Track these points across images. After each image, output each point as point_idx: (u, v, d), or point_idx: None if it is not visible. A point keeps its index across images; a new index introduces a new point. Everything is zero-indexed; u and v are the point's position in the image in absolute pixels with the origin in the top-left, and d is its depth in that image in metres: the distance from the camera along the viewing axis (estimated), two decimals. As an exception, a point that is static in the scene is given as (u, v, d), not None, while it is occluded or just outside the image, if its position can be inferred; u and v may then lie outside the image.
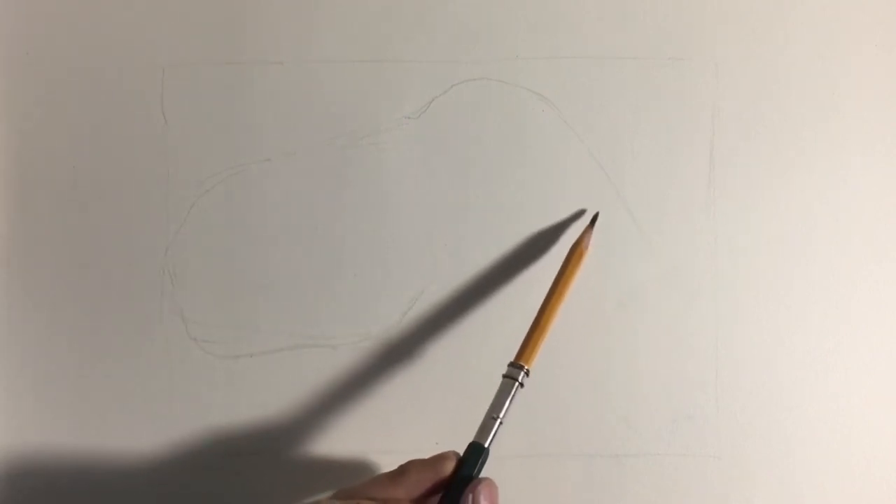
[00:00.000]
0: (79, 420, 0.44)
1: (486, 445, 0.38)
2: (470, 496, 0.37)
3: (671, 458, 0.44)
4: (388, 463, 0.44)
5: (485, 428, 0.39)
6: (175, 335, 0.44)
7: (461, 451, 0.38)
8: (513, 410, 0.44)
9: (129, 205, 0.44)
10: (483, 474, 0.38)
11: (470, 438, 0.42)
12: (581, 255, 0.42)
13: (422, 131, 0.45)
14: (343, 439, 0.44)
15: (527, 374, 0.40)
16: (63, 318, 0.44)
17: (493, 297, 0.44)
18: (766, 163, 0.45)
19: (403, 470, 0.38)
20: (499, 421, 0.39)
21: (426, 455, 0.43)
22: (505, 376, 0.40)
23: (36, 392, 0.44)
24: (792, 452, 0.44)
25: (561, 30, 0.45)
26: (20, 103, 0.44)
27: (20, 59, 0.44)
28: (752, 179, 0.45)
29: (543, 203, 0.45)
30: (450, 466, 0.38)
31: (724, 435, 0.44)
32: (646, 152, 0.45)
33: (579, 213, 0.44)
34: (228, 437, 0.44)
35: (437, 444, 0.44)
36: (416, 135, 0.45)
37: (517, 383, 0.39)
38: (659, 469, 0.44)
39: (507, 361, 0.44)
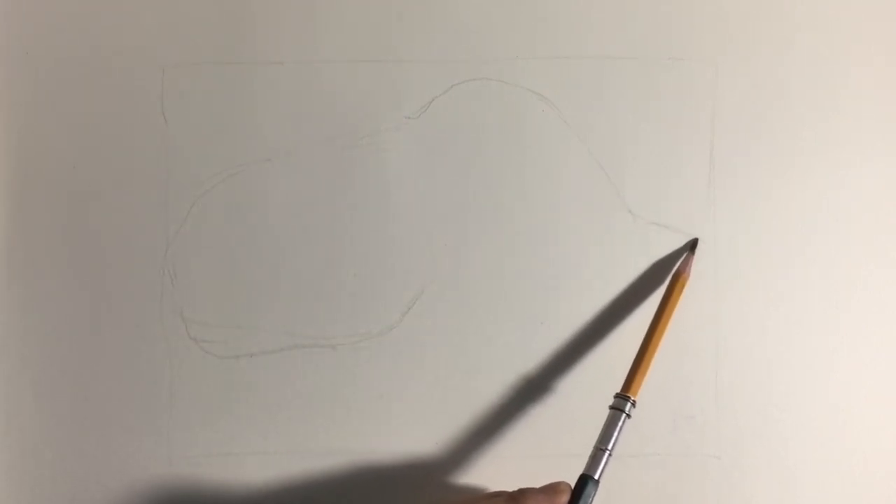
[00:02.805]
0: (79, 420, 0.44)
1: (596, 478, 0.39)
2: None
3: (671, 458, 0.44)
4: (388, 463, 0.44)
5: (595, 460, 0.39)
6: (175, 335, 0.44)
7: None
8: (513, 410, 0.44)
9: (129, 205, 0.44)
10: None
11: (469, 438, 0.42)
12: (683, 283, 0.43)
13: (422, 131, 0.45)
14: (343, 439, 0.44)
15: (633, 404, 0.40)
16: (63, 318, 0.44)
17: (494, 296, 0.44)
18: (766, 163, 0.45)
19: (520, 498, 0.38)
20: (608, 453, 0.39)
21: (427, 454, 0.43)
22: (612, 408, 0.40)
23: (36, 392, 0.44)
24: (792, 452, 0.44)
25: (561, 30, 0.45)
26: (20, 103, 0.44)
27: (20, 59, 0.44)
28: (752, 179, 0.45)
29: (543, 203, 0.45)
30: (565, 499, 0.38)
31: (724, 435, 0.44)
32: (646, 152, 0.45)
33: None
34: (228, 436, 0.44)
35: (436, 443, 0.44)
36: (417, 135, 0.45)
37: (625, 414, 0.40)
38: (659, 469, 0.44)
39: (510, 360, 0.44)
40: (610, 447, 0.39)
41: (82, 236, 0.44)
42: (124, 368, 0.44)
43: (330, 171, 0.44)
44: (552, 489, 0.38)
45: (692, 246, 0.44)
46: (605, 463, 0.39)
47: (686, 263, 0.43)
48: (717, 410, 0.44)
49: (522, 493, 0.38)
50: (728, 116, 0.45)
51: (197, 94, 0.44)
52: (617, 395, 0.41)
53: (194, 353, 0.44)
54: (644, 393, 0.44)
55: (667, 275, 0.44)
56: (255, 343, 0.44)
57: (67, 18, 0.44)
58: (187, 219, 0.44)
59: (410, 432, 0.44)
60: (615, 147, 0.45)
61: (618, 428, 0.40)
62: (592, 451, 0.40)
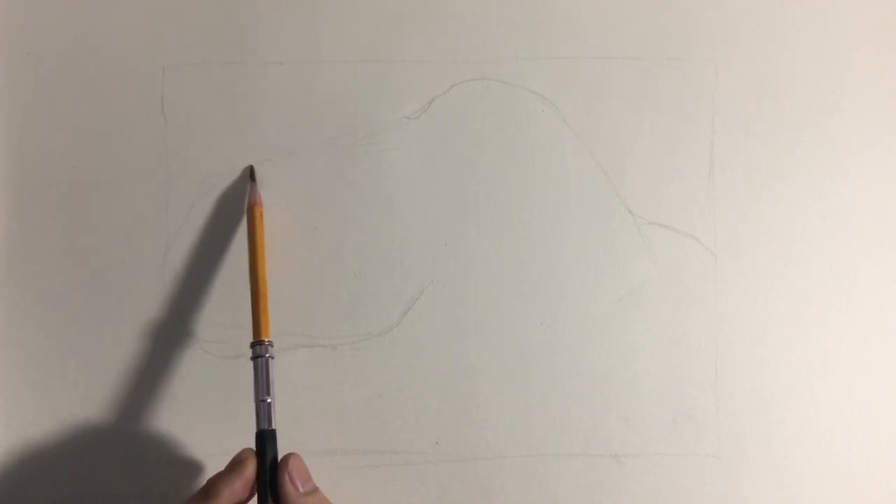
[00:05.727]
0: (79, 420, 0.44)
1: (271, 428, 0.39)
2: (286, 475, 0.38)
3: (671, 458, 0.44)
4: (388, 463, 0.44)
5: (261, 413, 0.39)
6: (175, 335, 0.44)
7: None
8: (513, 410, 0.44)
9: (129, 205, 0.44)
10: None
11: (469, 439, 0.42)
12: (260, 212, 0.42)
13: (422, 131, 0.45)
14: (343, 439, 0.44)
15: (270, 344, 0.40)
16: (63, 318, 0.44)
17: (494, 296, 0.44)
18: (766, 163, 0.45)
19: (210, 490, 0.37)
20: (270, 401, 0.39)
21: (427, 454, 0.43)
22: (253, 358, 0.40)
23: (36, 392, 0.44)
24: (791, 452, 0.44)
25: (561, 30, 0.45)
26: (20, 103, 0.44)
27: (20, 59, 0.44)
28: (752, 179, 0.45)
29: (543, 203, 0.45)
30: (251, 465, 0.38)
31: (724, 435, 0.44)
32: (646, 152, 0.45)
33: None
34: (228, 436, 0.44)
35: (437, 443, 0.44)
36: (417, 135, 0.45)
37: (268, 358, 0.40)
38: (659, 469, 0.44)
39: (510, 360, 0.44)
40: (269, 397, 0.39)
41: (82, 236, 0.44)
42: (124, 369, 0.44)
43: (330, 171, 0.44)
44: (236, 462, 0.38)
45: (251, 175, 0.44)
46: (273, 411, 0.39)
47: (254, 194, 0.43)
48: (716, 410, 0.44)
49: (211, 483, 0.38)
50: (728, 116, 0.45)
51: (197, 94, 0.44)
52: (253, 344, 0.40)
53: (194, 353, 0.44)
54: (644, 393, 0.44)
55: (671, 277, 0.44)
56: (255, 343, 0.44)
57: (67, 18, 0.44)
58: (187, 219, 0.44)
59: (410, 432, 0.44)
60: (615, 147, 0.45)
61: (269, 374, 0.40)
62: (256, 406, 0.39)
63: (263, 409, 0.39)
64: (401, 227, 0.44)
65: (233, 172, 0.44)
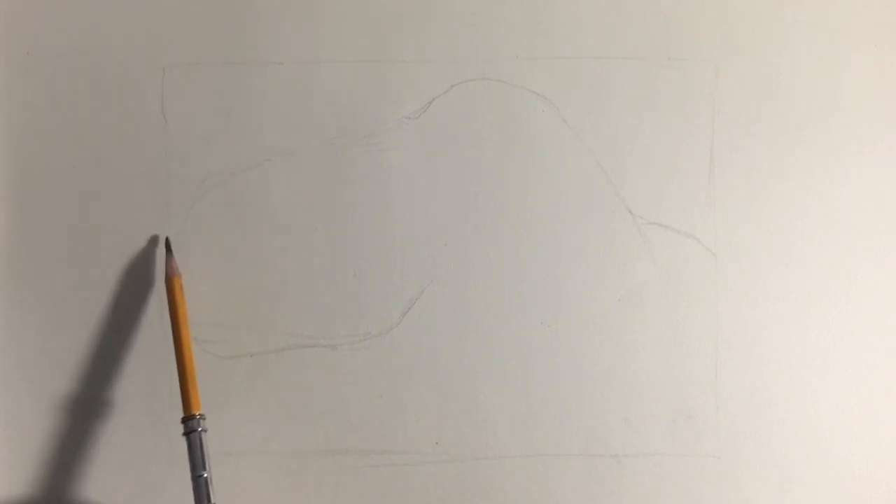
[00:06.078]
0: (78, 420, 0.44)
1: (214, 502, 0.39)
2: None
3: (671, 458, 0.44)
4: (388, 463, 0.44)
5: (199, 490, 0.39)
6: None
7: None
8: (513, 410, 0.44)
9: (129, 205, 0.44)
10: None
11: (469, 438, 0.42)
12: (180, 284, 0.42)
13: (422, 131, 0.45)
14: (343, 439, 0.44)
15: (202, 417, 0.40)
16: (63, 318, 0.44)
17: (494, 296, 0.44)
18: (766, 163, 0.45)
19: None
20: (206, 476, 0.39)
21: (427, 454, 0.43)
22: (186, 434, 0.39)
23: (36, 392, 0.44)
24: (791, 452, 0.44)
25: (561, 30, 0.45)
26: (20, 103, 0.44)
27: (20, 59, 0.44)
28: (752, 179, 0.45)
29: (543, 203, 0.45)
30: None
31: (724, 435, 0.44)
32: (646, 152, 0.45)
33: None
34: (228, 436, 0.44)
35: (437, 443, 0.44)
36: (417, 135, 0.45)
37: (201, 432, 0.39)
38: (659, 469, 0.44)
39: (510, 360, 0.44)
40: (207, 471, 0.39)
41: (82, 236, 0.44)
42: (124, 368, 0.44)
43: (330, 171, 0.44)
44: None
45: (167, 247, 0.43)
46: (211, 486, 0.38)
47: (171, 266, 0.42)
48: (716, 410, 0.44)
49: None
50: (728, 116, 0.45)
51: (197, 94, 0.44)
52: (183, 420, 0.40)
53: (194, 353, 0.44)
54: (644, 393, 0.44)
55: (671, 277, 0.44)
56: (255, 343, 0.44)
57: (67, 18, 0.44)
58: (187, 219, 0.44)
59: (410, 432, 0.44)
60: (615, 147, 0.45)
61: (203, 448, 0.39)
62: (193, 483, 0.39)
63: (201, 486, 0.39)
64: (401, 227, 0.44)
65: (233, 172, 0.44)
